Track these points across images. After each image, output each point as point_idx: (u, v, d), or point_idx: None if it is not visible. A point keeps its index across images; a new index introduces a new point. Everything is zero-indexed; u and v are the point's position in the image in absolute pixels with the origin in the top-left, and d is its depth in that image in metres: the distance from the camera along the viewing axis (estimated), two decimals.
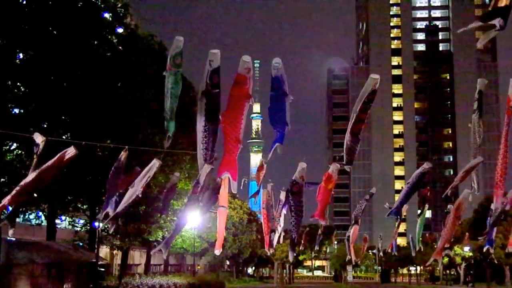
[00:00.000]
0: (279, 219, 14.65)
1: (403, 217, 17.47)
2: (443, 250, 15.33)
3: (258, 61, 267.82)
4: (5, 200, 10.42)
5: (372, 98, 10.06)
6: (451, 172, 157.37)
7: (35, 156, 11.11)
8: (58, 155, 10.69)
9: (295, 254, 13.70)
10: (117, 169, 12.40)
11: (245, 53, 9.95)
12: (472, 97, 11.80)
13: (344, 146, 10.79)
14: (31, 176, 10.49)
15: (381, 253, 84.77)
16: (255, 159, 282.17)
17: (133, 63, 30.55)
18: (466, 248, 65.31)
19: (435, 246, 43.07)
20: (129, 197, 11.51)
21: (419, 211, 20.03)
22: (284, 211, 14.11)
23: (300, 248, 62.48)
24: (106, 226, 38.44)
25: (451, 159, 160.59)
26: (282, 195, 13.94)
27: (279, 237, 15.09)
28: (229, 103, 9.95)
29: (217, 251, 12.80)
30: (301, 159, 12.64)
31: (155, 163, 11.52)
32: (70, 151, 10.62)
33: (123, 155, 12.52)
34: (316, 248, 60.53)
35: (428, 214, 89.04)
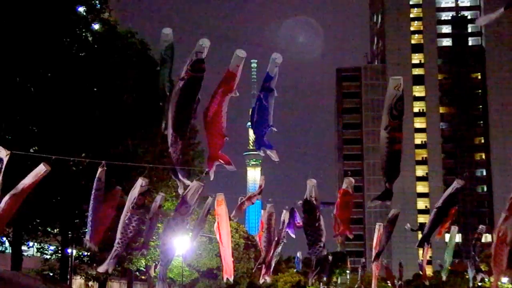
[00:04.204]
0: (281, 243, 14.83)
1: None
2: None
3: (255, 61, 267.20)
4: None
5: (401, 108, 9.87)
6: (484, 189, 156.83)
7: None
8: (34, 173, 10.77)
9: (314, 277, 13.86)
10: (99, 191, 12.38)
11: (240, 48, 10.11)
12: (508, 100, 11.69)
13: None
14: (4, 201, 10.57)
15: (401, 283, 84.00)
16: (253, 174, 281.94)
17: (111, 65, 30.64)
18: (505, 279, 64.75)
19: (467, 276, 42.98)
20: (122, 228, 11.65)
21: (447, 236, 20.02)
22: (288, 232, 14.31)
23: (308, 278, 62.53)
24: (79, 254, 38.60)
25: (484, 173, 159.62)
26: (284, 216, 14.09)
27: (274, 264, 15.28)
28: (213, 100, 10.13)
29: (226, 277, 13.19)
30: (307, 175, 12.73)
31: (139, 183, 11.52)
32: (41, 168, 10.69)
33: (100, 172, 12.54)
34: (324, 278, 60.38)
35: (457, 238, 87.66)
